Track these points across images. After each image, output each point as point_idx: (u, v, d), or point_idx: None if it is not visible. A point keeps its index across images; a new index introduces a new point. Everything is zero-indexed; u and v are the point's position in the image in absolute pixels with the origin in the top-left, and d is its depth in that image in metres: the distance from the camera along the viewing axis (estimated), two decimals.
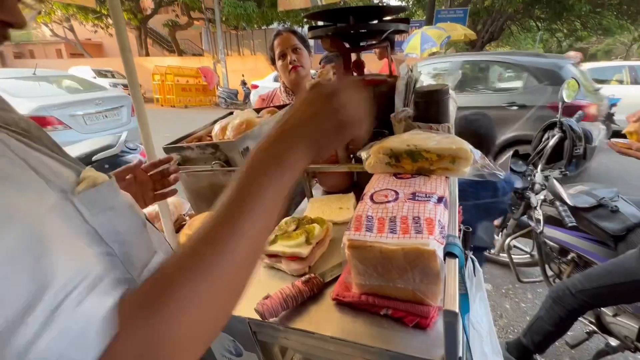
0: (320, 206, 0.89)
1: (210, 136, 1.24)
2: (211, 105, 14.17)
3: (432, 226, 0.49)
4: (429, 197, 0.56)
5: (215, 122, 1.31)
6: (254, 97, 10.43)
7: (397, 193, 0.59)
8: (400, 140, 0.68)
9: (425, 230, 0.48)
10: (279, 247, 0.68)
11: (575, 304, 1.65)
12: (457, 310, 0.39)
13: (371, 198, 0.60)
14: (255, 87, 10.75)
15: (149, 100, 14.25)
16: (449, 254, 0.48)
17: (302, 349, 0.58)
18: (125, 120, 5.47)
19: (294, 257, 0.66)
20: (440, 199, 0.56)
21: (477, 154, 0.60)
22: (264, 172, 0.38)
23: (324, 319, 0.56)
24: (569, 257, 2.02)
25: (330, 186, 1.00)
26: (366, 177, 1.01)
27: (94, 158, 3.77)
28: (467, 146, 0.60)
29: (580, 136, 2.08)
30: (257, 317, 0.59)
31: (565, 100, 2.05)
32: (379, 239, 0.49)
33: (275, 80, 10.51)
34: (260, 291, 0.66)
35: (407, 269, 0.48)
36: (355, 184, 1.02)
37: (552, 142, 2.14)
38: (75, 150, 3.81)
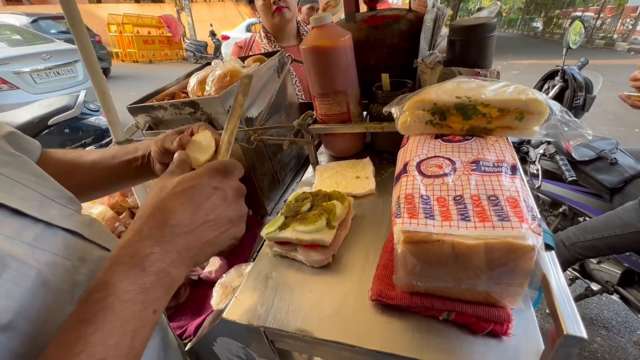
0: (332, 175, 0.74)
1: (186, 92, 1.02)
2: (178, 60, 13.02)
3: (519, 209, 0.36)
4: (499, 166, 0.42)
5: (189, 75, 1.08)
6: (225, 49, 9.58)
7: (452, 162, 0.45)
8: (445, 91, 0.52)
9: (513, 215, 0.35)
10: (293, 233, 0.54)
11: (569, 255, 1.68)
12: (584, 335, 0.28)
13: (418, 169, 0.45)
14: (226, 38, 9.84)
15: (108, 55, 12.88)
16: (545, 247, 0.35)
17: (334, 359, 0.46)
18: (82, 78, 4.87)
19: (314, 246, 0.53)
20: (514, 169, 0.42)
21: (555, 107, 0.46)
22: (119, 276, 0.30)
23: (363, 326, 0.44)
24: (560, 210, 2.04)
25: (339, 150, 0.84)
26: (383, 138, 0.86)
27: (50, 121, 3.35)
28: (542, 96, 0.46)
29: (581, 85, 1.98)
30: (274, 325, 0.47)
31: (571, 46, 1.91)
32: (449, 231, 0.36)
33: (248, 30, 9.65)
34: (274, 289, 0.53)
35: (486, 267, 0.35)
36: (368, 146, 0.87)
37: (552, 93, 2.03)
38: (27, 114, 3.36)
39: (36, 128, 3.27)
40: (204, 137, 0.48)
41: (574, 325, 0.28)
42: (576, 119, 0.45)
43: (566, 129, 0.45)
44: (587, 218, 1.85)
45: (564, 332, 0.28)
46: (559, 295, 0.31)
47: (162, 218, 0.34)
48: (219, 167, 0.38)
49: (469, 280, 0.37)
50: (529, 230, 0.33)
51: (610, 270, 1.76)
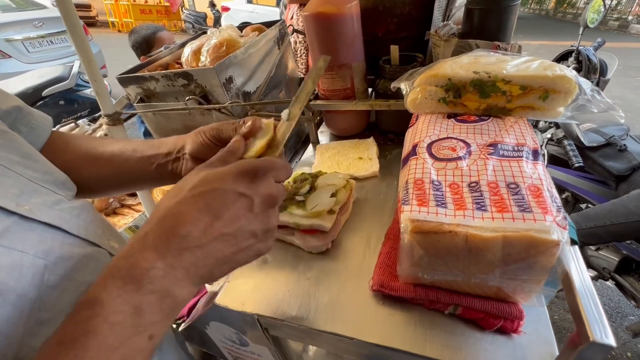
0: (333, 156, 0.70)
1: (180, 63, 0.96)
2: (177, 31, 12.59)
3: (542, 199, 0.32)
4: (519, 150, 0.38)
5: (184, 44, 1.02)
6: (225, 21, 9.23)
7: (467, 144, 0.41)
8: (462, 66, 0.47)
9: (535, 206, 0.31)
10: (291, 217, 0.50)
11: None
12: (612, 343, 0.25)
13: (429, 151, 0.41)
14: (226, 9, 9.46)
15: (104, 24, 12.44)
16: (570, 241, 0.32)
17: (332, 350, 0.44)
18: None
19: (313, 231, 0.49)
20: (535, 154, 0.38)
21: (586, 85, 0.41)
22: (111, 293, 0.25)
23: (363, 317, 0.41)
24: (563, 196, 2.01)
25: (341, 129, 0.79)
26: (389, 117, 0.81)
27: (44, 93, 3.26)
28: (571, 73, 0.41)
29: (596, 67, 1.89)
30: (268, 313, 0.44)
31: (589, 25, 1.80)
32: (463, 221, 0.32)
33: (249, 1, 9.26)
34: (269, 274, 0.50)
35: (502, 262, 0.32)
36: (372, 125, 0.82)
37: None
38: (20, 84, 3.26)
39: (30, 99, 3.19)
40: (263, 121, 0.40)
41: (601, 331, 0.25)
42: (609, 100, 0.40)
43: (595, 110, 0.41)
44: (589, 205, 1.82)
45: (590, 339, 0.25)
46: (584, 295, 0.28)
47: (172, 225, 0.28)
48: (248, 168, 0.31)
49: (481, 275, 0.34)
50: (554, 224, 0.30)
51: (608, 257, 1.76)
